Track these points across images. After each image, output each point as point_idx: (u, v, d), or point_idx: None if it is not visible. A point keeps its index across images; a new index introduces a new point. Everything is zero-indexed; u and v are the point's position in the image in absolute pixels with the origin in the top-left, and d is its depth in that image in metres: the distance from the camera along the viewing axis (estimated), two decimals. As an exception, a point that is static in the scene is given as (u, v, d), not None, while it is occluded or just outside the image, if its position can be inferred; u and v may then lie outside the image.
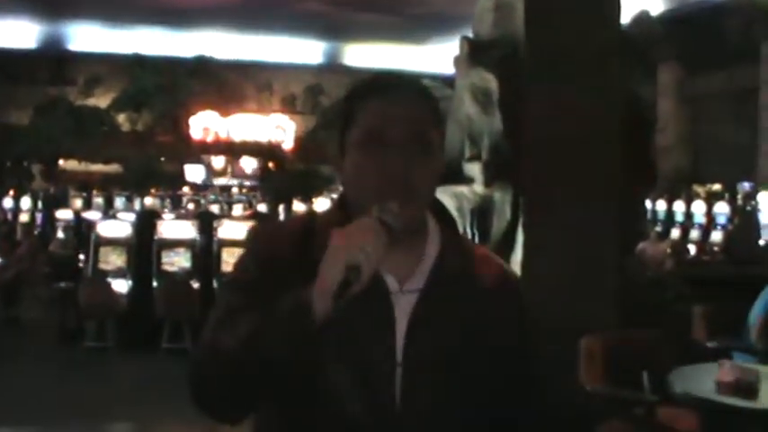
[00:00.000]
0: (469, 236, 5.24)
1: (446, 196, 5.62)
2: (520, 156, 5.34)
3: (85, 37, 30.51)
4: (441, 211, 1.87)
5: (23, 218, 20.74)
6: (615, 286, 5.47)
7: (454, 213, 5.49)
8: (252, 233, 1.98)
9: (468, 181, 5.54)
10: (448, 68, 6.61)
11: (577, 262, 5.30)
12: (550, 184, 5.36)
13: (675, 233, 17.75)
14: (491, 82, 5.40)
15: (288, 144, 29.53)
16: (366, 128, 1.74)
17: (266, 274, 1.74)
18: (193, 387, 1.70)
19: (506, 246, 5.33)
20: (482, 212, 5.28)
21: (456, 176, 5.62)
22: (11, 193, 22.30)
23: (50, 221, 19.43)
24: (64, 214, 19.03)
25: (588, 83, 5.45)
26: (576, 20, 5.48)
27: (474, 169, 5.50)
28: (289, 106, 31.57)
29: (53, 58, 31.13)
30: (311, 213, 1.91)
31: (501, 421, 1.81)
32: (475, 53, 5.63)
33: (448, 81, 6.36)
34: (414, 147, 1.71)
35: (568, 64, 5.43)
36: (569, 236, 5.32)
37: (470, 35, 5.96)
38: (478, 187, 5.44)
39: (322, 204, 17.71)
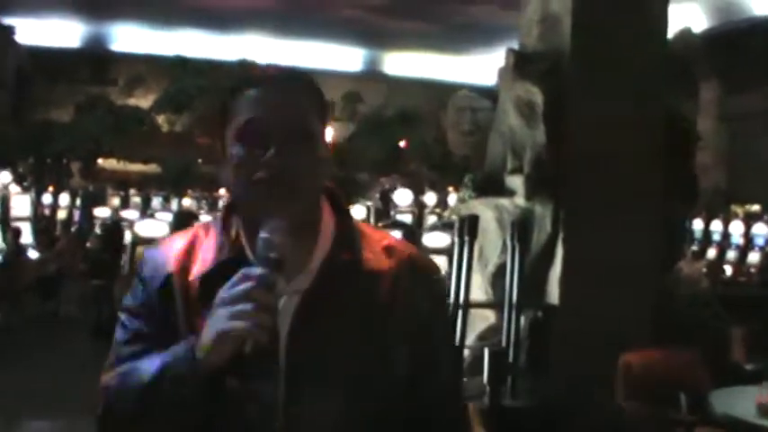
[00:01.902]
0: (509, 248, 5.22)
1: (487, 208, 5.62)
2: (562, 169, 5.32)
3: (127, 37, 30.80)
4: (336, 201, 1.78)
5: (61, 214, 20.92)
6: (653, 303, 5.43)
7: (494, 225, 5.50)
8: (140, 258, 1.99)
9: (510, 193, 5.53)
10: (487, 80, 6.61)
11: (616, 278, 5.27)
12: (591, 198, 5.34)
13: (712, 253, 17.58)
14: (536, 95, 5.39)
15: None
16: (243, 121, 1.64)
17: (153, 296, 1.72)
18: (100, 424, 1.72)
19: (546, 259, 5.31)
20: (522, 225, 5.25)
21: (498, 188, 5.61)
22: (50, 189, 22.50)
23: (88, 219, 19.60)
24: (101, 212, 19.19)
25: (633, 98, 5.43)
26: (623, 34, 5.47)
27: (516, 182, 5.50)
28: (327, 112, 31.64)
29: (95, 58, 31.45)
30: (197, 227, 1.81)
31: (391, 424, 1.69)
32: (520, 65, 5.61)
33: (487, 92, 6.36)
34: (293, 138, 1.62)
35: (614, 78, 5.41)
36: (608, 251, 5.30)
37: (516, 47, 5.95)
38: (520, 200, 5.43)
39: (357, 212, 17.73)
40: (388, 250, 1.77)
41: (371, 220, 15.01)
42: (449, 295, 5.39)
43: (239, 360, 1.51)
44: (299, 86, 1.70)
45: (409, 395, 1.71)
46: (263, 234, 1.58)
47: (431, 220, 16.88)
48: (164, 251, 1.78)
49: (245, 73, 1.76)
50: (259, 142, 1.61)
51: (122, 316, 1.76)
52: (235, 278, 1.55)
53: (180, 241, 1.79)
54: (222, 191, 26.02)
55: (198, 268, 1.70)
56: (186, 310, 1.65)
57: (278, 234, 1.58)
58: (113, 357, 1.73)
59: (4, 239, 14.11)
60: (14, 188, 16.04)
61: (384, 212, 17.98)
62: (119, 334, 1.75)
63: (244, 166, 1.63)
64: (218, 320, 1.53)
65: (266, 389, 1.63)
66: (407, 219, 16.66)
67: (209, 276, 1.65)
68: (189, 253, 1.74)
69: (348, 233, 1.74)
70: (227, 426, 1.64)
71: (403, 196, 18.86)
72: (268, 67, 1.78)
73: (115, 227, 14.53)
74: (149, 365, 1.62)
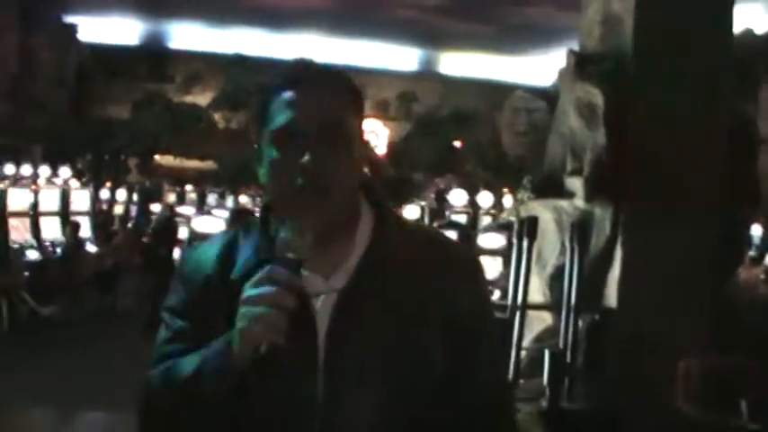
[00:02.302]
0: (568, 249, 5.20)
1: (546, 209, 5.60)
2: (622, 172, 5.28)
3: (185, 35, 31.13)
4: (374, 197, 1.78)
5: (118, 210, 21.19)
6: (711, 308, 5.37)
7: (552, 226, 5.48)
8: (181, 257, 2.01)
9: (569, 195, 5.49)
10: (543, 80, 6.59)
11: (674, 282, 5.22)
12: (651, 201, 5.29)
13: (770, 258, 17.30)
14: (596, 96, 5.35)
15: (380, 149, 29.69)
16: (278, 121, 1.66)
17: (194, 295, 1.74)
18: (141, 419, 1.75)
19: (605, 262, 5.27)
20: (582, 227, 5.22)
21: (557, 190, 5.58)
22: (107, 184, 22.79)
23: (145, 214, 19.83)
24: (158, 208, 19.41)
25: (695, 100, 5.37)
26: (686, 35, 5.40)
27: (575, 183, 5.46)
28: (382, 112, 31.74)
29: (153, 55, 31.85)
30: (236, 228, 1.83)
31: (430, 423, 1.68)
32: (581, 66, 5.58)
33: (542, 93, 6.33)
34: (328, 138, 1.63)
35: (676, 79, 5.35)
36: (667, 255, 5.24)
37: (576, 48, 5.91)
38: (579, 202, 5.40)
39: (411, 211, 17.74)
40: (428, 245, 1.78)
41: (426, 220, 15.00)
42: (504, 296, 5.38)
43: (262, 358, 1.55)
44: (335, 87, 1.70)
45: (449, 394, 1.70)
46: (282, 235, 1.61)
47: (485, 220, 16.83)
48: (204, 251, 1.81)
49: (281, 73, 1.75)
50: (295, 145, 1.62)
51: (165, 315, 1.79)
52: (257, 277, 1.58)
53: (220, 241, 1.81)
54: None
55: (237, 268, 1.72)
56: (226, 309, 1.65)
57: (298, 235, 1.60)
58: (156, 355, 1.76)
59: (64, 233, 14.34)
60: (74, 183, 16.27)
61: (439, 212, 17.94)
62: (161, 333, 1.79)
63: (280, 168, 1.65)
64: (240, 320, 1.57)
65: (306, 387, 1.64)
66: (462, 219, 16.62)
67: (247, 277, 1.65)
68: (229, 253, 1.76)
69: (386, 229, 1.74)
70: (268, 424, 1.66)
71: (458, 196, 18.80)
72: (303, 66, 1.79)
73: (169, 222, 14.69)
74: (190, 361, 1.66)
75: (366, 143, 1.77)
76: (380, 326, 1.65)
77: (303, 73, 1.74)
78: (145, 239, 15.59)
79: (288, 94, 1.67)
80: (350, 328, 1.65)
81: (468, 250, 1.89)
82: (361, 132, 1.72)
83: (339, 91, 1.70)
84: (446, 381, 1.69)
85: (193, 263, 1.80)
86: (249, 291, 1.57)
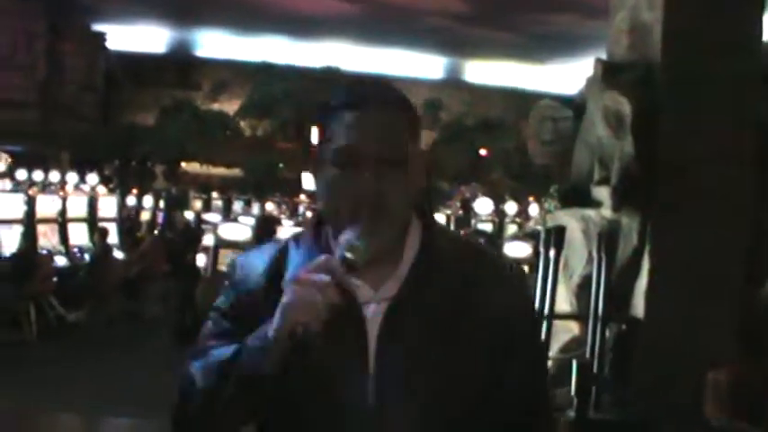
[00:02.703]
0: (595, 259, 5.18)
1: (573, 219, 5.58)
2: (650, 181, 5.26)
3: (213, 43, 31.32)
4: (422, 210, 1.81)
5: (145, 216, 21.33)
6: (741, 317, 5.34)
7: (579, 236, 5.46)
8: (231, 263, 2.03)
9: (596, 204, 5.47)
10: (569, 89, 6.57)
11: (703, 292, 5.19)
12: (679, 211, 5.26)
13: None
14: (624, 105, 5.33)
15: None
16: (337, 143, 1.69)
17: (244, 300, 1.77)
18: (175, 412, 1.77)
19: (632, 272, 5.25)
20: (609, 237, 5.20)
21: (584, 199, 5.56)
22: (134, 191, 22.94)
23: (171, 221, 19.94)
24: (186, 215, 19.54)
25: (724, 108, 5.34)
26: (715, 44, 5.38)
27: (602, 193, 5.44)
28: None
29: (180, 63, 32.07)
30: (288, 237, 1.87)
31: (480, 428, 1.73)
32: (608, 75, 5.56)
33: (569, 102, 6.31)
34: (386, 163, 1.66)
35: (705, 88, 5.32)
36: (696, 265, 5.21)
37: (603, 57, 5.90)
38: (606, 211, 5.37)
39: (437, 220, 17.66)
40: (473, 257, 1.82)
41: (451, 228, 15.01)
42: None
43: (300, 345, 1.56)
44: (394, 109, 1.74)
45: (493, 404, 1.73)
46: (346, 235, 1.64)
47: (511, 229, 16.82)
48: (256, 258, 1.84)
49: (340, 91, 1.77)
50: (354, 166, 1.66)
51: (213, 314, 1.83)
52: (315, 262, 1.62)
53: (272, 249, 1.84)
54: (302, 196, 26.32)
55: (288, 277, 1.74)
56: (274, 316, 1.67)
57: (360, 239, 1.63)
58: (198, 347, 1.79)
59: (92, 239, 14.45)
60: (101, 189, 16.40)
61: (465, 221, 17.95)
62: (207, 329, 1.82)
63: (338, 188, 1.69)
64: (285, 296, 1.60)
65: (356, 393, 1.66)
66: (488, 228, 16.62)
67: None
68: (280, 261, 1.79)
69: (434, 241, 1.77)
70: (317, 429, 1.69)
71: (483, 205, 18.81)
72: (364, 86, 1.79)
73: (195, 229, 14.77)
74: (229, 347, 1.69)
75: (422, 161, 1.80)
76: (428, 335, 1.69)
77: (364, 93, 1.76)
78: (171, 246, 15.67)
79: (349, 115, 1.70)
80: (400, 337, 1.69)
81: (512, 264, 1.94)
82: (417, 152, 1.75)
83: (398, 113, 1.74)
84: (491, 391, 1.72)
85: (245, 269, 1.83)
86: (303, 273, 1.61)
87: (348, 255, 1.61)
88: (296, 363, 1.60)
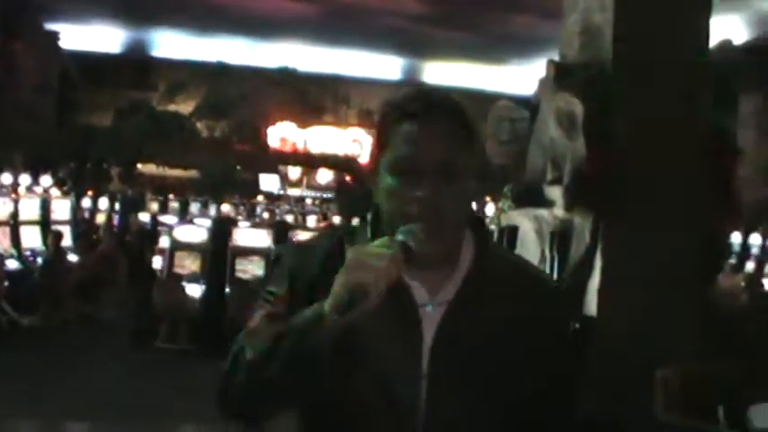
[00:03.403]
0: (548, 259, 5.22)
1: (526, 219, 5.62)
2: (602, 181, 5.31)
3: (169, 44, 31.09)
4: (476, 221, 1.88)
5: (100, 218, 21.12)
6: (693, 317, 5.40)
7: (532, 236, 5.50)
8: (286, 248, 2.04)
9: (549, 204, 5.52)
10: (526, 90, 6.60)
11: (655, 291, 5.25)
12: (631, 210, 5.32)
13: (750, 266, 17.42)
14: (576, 106, 5.38)
15: (364, 158, 29.71)
16: (396, 154, 1.74)
17: (295, 288, 1.81)
18: (220, 390, 1.79)
19: (584, 271, 5.29)
20: (562, 236, 5.25)
21: (537, 199, 5.60)
22: (89, 193, 22.71)
23: (127, 223, 19.77)
24: (140, 217, 19.38)
25: (674, 110, 5.41)
26: (666, 46, 5.45)
27: (555, 193, 5.48)
28: (365, 120, 31.76)
29: (136, 63, 31.78)
30: (343, 229, 1.95)
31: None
32: (561, 76, 5.61)
33: (526, 103, 6.35)
34: (443, 174, 1.71)
35: (655, 90, 5.39)
36: (648, 263, 5.27)
37: (556, 58, 5.95)
38: (559, 211, 5.42)
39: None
40: (520, 272, 1.91)
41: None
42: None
43: (350, 308, 1.57)
44: (454, 123, 1.77)
45: (539, 406, 1.82)
46: (410, 226, 1.69)
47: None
48: (311, 252, 1.89)
49: (400, 100, 1.80)
50: (412, 178, 1.72)
51: (267, 296, 1.88)
52: (379, 240, 1.68)
53: (326, 243, 1.90)
54: (260, 198, 26.22)
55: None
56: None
57: (421, 231, 1.68)
58: (251, 325, 1.82)
59: (45, 243, 14.28)
60: (55, 192, 16.21)
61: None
62: (260, 305, 1.87)
63: (396, 198, 1.74)
64: (347, 260, 1.63)
65: (408, 393, 1.73)
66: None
67: None
68: (336, 254, 1.81)
69: (486, 254, 1.85)
70: (368, 426, 1.73)
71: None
72: (425, 96, 1.80)
73: (151, 231, 14.67)
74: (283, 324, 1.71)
75: (482, 176, 1.86)
76: (482, 341, 1.76)
77: (424, 103, 1.78)
78: (126, 248, 15.54)
79: (408, 127, 1.74)
80: (455, 340, 1.75)
81: (552, 280, 2.04)
82: (476, 166, 1.80)
83: (458, 127, 1.77)
84: (537, 393, 1.80)
85: (299, 260, 1.88)
86: (368, 247, 1.67)
87: (406, 239, 1.66)
88: (346, 341, 1.62)
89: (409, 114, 1.75)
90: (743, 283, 12.61)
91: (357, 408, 1.71)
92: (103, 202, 21.47)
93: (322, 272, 1.78)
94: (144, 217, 19.74)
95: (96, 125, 28.51)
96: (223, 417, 1.78)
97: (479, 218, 1.94)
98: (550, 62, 5.78)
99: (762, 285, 14.68)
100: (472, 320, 1.76)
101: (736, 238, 18.18)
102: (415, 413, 1.72)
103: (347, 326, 1.60)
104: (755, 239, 18.14)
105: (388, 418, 1.71)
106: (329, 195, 28.71)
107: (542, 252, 5.40)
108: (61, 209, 15.38)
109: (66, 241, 14.50)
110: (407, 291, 1.75)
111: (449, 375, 1.73)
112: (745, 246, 18.15)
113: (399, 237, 1.67)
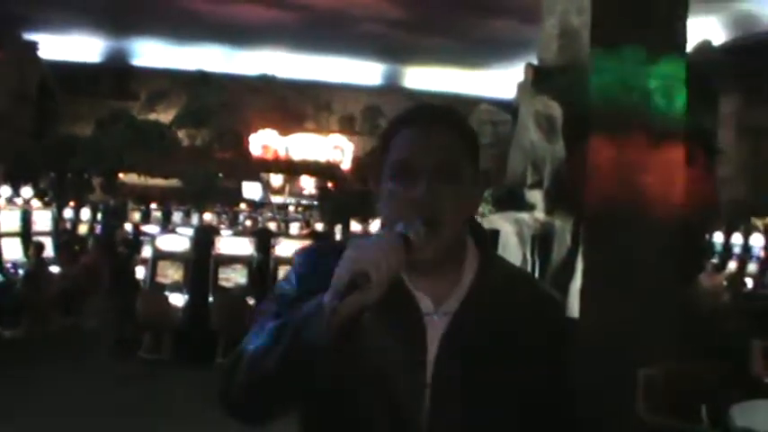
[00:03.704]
0: (529, 262, 5.24)
1: (507, 222, 5.64)
2: (582, 184, 5.33)
3: (149, 53, 31.01)
4: (478, 233, 1.89)
5: (83, 229, 21.03)
6: (674, 317, 5.43)
7: (514, 239, 5.51)
8: (298, 250, 2.04)
9: (530, 207, 5.54)
10: (508, 93, 6.61)
11: (636, 291, 5.27)
12: (611, 212, 5.35)
13: (732, 266, 17.49)
14: (555, 109, 5.41)
15: (346, 164, 29.71)
16: (394, 158, 1.77)
17: (305, 290, 1.79)
18: (221, 389, 1.76)
19: (566, 273, 5.32)
20: (543, 239, 5.27)
21: (518, 203, 5.62)
22: (71, 204, 22.61)
23: (109, 234, 19.69)
24: (125, 227, 19.32)
25: (652, 111, 5.44)
26: (642, 48, 5.48)
27: (536, 196, 5.51)
28: (347, 127, 31.77)
29: (116, 73, 31.66)
30: (357, 236, 1.95)
31: None
32: (539, 80, 5.64)
33: (507, 106, 6.37)
34: (442, 177, 1.73)
35: (633, 92, 5.42)
36: (629, 264, 5.30)
37: (535, 62, 5.97)
38: (540, 214, 5.44)
39: (376, 226, 17.69)
40: (523, 284, 1.94)
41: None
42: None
43: (350, 292, 1.56)
44: (450, 127, 1.80)
45: (541, 416, 1.83)
46: (406, 224, 1.69)
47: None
48: (322, 258, 1.86)
49: (405, 111, 1.86)
50: (411, 180, 1.74)
51: (276, 294, 1.88)
52: (382, 231, 1.72)
53: (336, 251, 1.81)
54: (242, 206, 26.17)
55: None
56: None
57: (421, 229, 1.68)
58: (255, 322, 1.82)
59: (26, 254, 14.20)
60: (36, 203, 16.12)
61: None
62: (266, 305, 1.87)
63: (396, 201, 1.76)
64: (349, 248, 1.63)
65: (412, 401, 1.73)
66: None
67: None
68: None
69: (490, 266, 1.87)
70: None
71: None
72: (424, 106, 1.87)
73: (134, 241, 14.61)
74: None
75: (479, 186, 1.88)
76: (487, 351, 1.77)
77: (422, 113, 1.83)
78: (109, 259, 15.47)
79: (407, 131, 1.79)
80: (458, 351, 1.76)
81: (552, 292, 2.04)
82: (474, 174, 1.82)
83: (454, 132, 1.80)
84: (540, 403, 1.82)
85: (310, 266, 1.88)
86: (369, 238, 1.67)
87: (408, 233, 1.66)
88: (348, 335, 1.61)
89: (408, 121, 1.81)
90: (725, 283, 12.64)
91: (359, 415, 1.73)
92: (85, 213, 21.39)
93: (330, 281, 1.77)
94: (126, 227, 19.65)
95: (77, 135, 28.37)
96: (225, 416, 1.78)
97: (482, 227, 1.93)
98: (528, 66, 5.81)
99: (744, 285, 14.73)
100: (476, 331, 1.77)
101: (718, 237, 18.27)
102: (418, 422, 1.73)
103: (347, 321, 1.58)
104: (737, 239, 18.21)
105: (391, 426, 1.72)
106: (312, 202, 28.68)
107: (524, 255, 5.41)
108: (42, 220, 15.28)
109: (48, 252, 14.42)
110: (412, 300, 1.77)
111: (452, 385, 1.74)
112: (728, 245, 18.22)
113: (400, 228, 1.67)
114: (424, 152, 1.75)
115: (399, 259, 1.62)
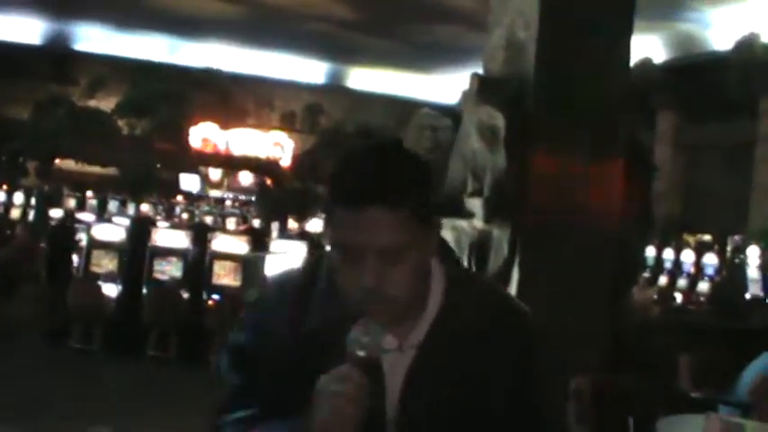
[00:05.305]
0: (466, 270, 5.28)
1: (445, 229, 5.68)
2: (521, 194, 5.40)
3: (91, 38, 30.53)
4: (444, 252, 1.86)
5: (15, 213, 20.70)
6: (605, 329, 5.51)
7: (452, 246, 5.56)
8: (250, 302, 2.02)
9: (469, 216, 5.58)
10: (449, 99, 6.63)
11: (569, 303, 5.35)
12: (548, 223, 5.42)
13: (663, 280, 17.80)
14: (498, 119, 5.46)
15: (285, 161, 29.61)
16: (336, 237, 1.71)
17: (265, 340, 1.79)
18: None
19: (502, 282, 5.37)
20: (480, 248, 5.32)
21: (456, 210, 5.67)
22: (3, 187, 22.24)
23: (43, 219, 19.40)
24: (57, 213, 19.03)
25: (594, 127, 5.52)
26: (586, 64, 5.57)
27: (475, 204, 5.55)
28: (288, 124, 31.66)
29: (56, 56, 31.09)
30: (313, 269, 1.86)
31: None
32: (484, 90, 5.69)
33: (450, 111, 6.41)
34: (388, 258, 1.66)
35: (575, 106, 5.50)
36: (564, 276, 5.37)
37: (481, 71, 6.02)
38: (478, 222, 5.49)
39: (315, 225, 17.70)
40: (493, 304, 1.89)
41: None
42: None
43: None
44: (388, 202, 1.67)
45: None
46: (351, 334, 1.65)
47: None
48: (276, 300, 1.84)
49: (340, 179, 1.72)
50: (355, 260, 1.67)
51: (231, 351, 1.85)
52: (333, 374, 1.62)
53: (291, 286, 1.84)
54: (179, 197, 25.94)
55: (311, 320, 1.77)
56: (296, 355, 1.73)
57: (369, 334, 1.64)
58: (228, 388, 1.82)
59: (-44, 237, 13.95)
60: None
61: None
62: (227, 364, 1.85)
63: (342, 274, 1.71)
64: (316, 409, 1.60)
65: None
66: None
67: (320, 331, 1.73)
68: (301, 300, 1.80)
69: (457, 290, 1.82)
70: None
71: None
72: (361, 176, 1.69)
73: (68, 228, 14.40)
74: None
75: (435, 220, 1.80)
76: (452, 383, 1.74)
77: (354, 192, 1.69)
78: (42, 245, 15.24)
79: (343, 212, 1.68)
80: (425, 384, 1.73)
81: (521, 305, 1.97)
82: (425, 223, 1.72)
83: (395, 202, 1.67)
84: (504, 428, 1.79)
85: (264, 311, 1.85)
86: (324, 384, 1.61)
87: (361, 353, 1.62)
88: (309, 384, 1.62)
89: (344, 201, 1.70)
90: (655, 297, 12.87)
91: None
92: (18, 197, 21.05)
93: (288, 319, 1.78)
94: (60, 213, 19.37)
95: (12, 118, 27.83)
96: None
97: (449, 248, 1.90)
98: (474, 75, 5.86)
99: (674, 299, 15.00)
100: (442, 364, 1.74)
101: (650, 251, 18.57)
102: None
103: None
104: (668, 254, 18.52)
105: None
106: (250, 198, 28.54)
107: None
108: (-26, 203, 15.03)
109: (-22, 236, 14.18)
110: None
111: (417, 420, 1.72)
112: (659, 260, 18.52)
113: (349, 345, 1.63)
114: (365, 237, 1.66)
115: (361, 397, 1.60)
